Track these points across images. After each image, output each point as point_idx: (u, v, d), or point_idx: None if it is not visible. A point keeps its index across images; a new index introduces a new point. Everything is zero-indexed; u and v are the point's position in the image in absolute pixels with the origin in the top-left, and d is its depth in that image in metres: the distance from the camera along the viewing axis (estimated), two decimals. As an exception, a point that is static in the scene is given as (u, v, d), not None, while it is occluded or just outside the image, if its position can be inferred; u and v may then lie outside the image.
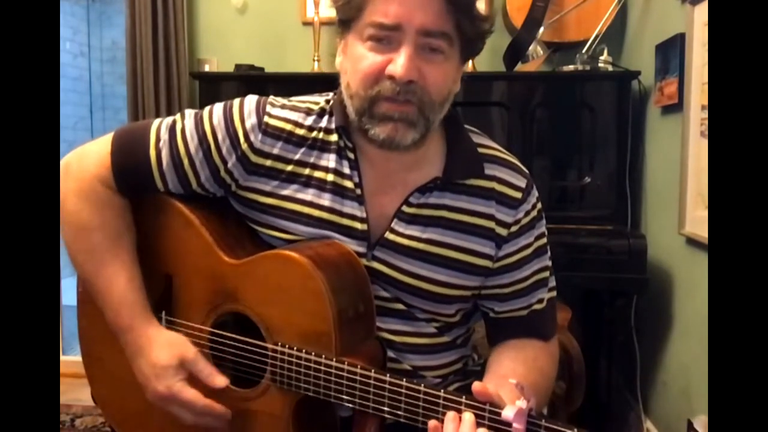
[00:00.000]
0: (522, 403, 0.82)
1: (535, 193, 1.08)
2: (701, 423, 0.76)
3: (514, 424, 0.82)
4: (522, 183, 1.06)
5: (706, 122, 1.81)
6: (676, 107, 2.04)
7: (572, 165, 2.40)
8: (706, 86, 1.81)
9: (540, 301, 1.08)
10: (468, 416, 0.84)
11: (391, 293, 1.04)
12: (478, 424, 0.84)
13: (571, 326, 1.51)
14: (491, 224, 1.04)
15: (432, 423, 0.86)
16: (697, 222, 1.88)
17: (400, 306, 1.04)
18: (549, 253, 1.10)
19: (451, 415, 0.85)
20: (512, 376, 0.88)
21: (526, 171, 1.08)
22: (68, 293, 2.89)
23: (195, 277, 1.05)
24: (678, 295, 2.07)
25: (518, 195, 1.05)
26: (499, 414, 0.83)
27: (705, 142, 1.83)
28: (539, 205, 1.08)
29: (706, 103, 1.83)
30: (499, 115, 2.36)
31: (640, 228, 2.39)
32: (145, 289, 1.05)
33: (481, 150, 1.06)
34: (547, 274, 1.09)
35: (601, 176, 2.33)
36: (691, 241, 1.94)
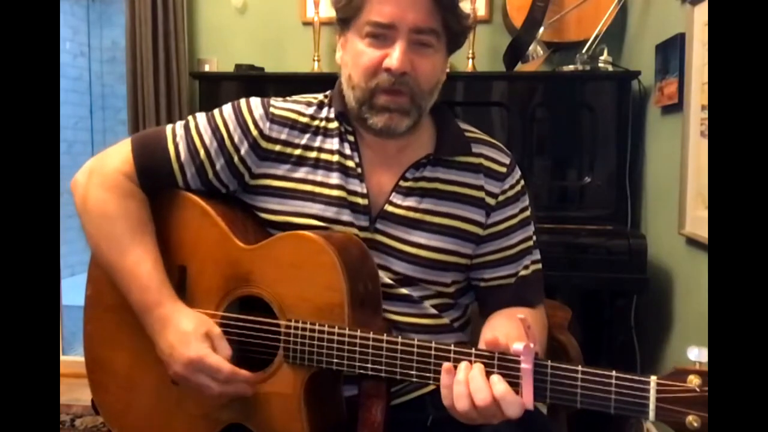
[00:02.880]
0: (530, 343, 0.85)
1: (518, 170, 1.19)
2: (695, 353, 0.79)
3: (523, 363, 0.85)
4: (506, 160, 1.18)
5: (706, 122, 1.81)
6: (676, 107, 2.04)
7: (572, 165, 2.40)
8: (706, 86, 1.81)
9: (525, 267, 1.17)
10: (477, 363, 0.89)
11: (391, 266, 1.10)
12: (489, 371, 0.88)
13: (571, 326, 1.50)
14: (481, 194, 1.14)
15: (446, 365, 0.89)
16: (697, 222, 1.88)
17: (402, 291, 1.11)
18: (533, 226, 1.20)
19: (460, 363, 0.90)
20: (504, 338, 0.91)
21: (509, 151, 1.20)
22: (68, 293, 2.90)
23: (209, 266, 1.09)
24: (678, 295, 2.07)
25: (503, 169, 1.16)
26: (508, 356, 0.87)
27: (705, 142, 1.83)
28: (523, 182, 1.20)
29: (706, 103, 1.83)
30: (499, 115, 2.36)
31: (640, 228, 2.39)
32: None
33: (467, 133, 1.18)
34: (531, 243, 1.19)
35: (601, 176, 2.33)
36: (691, 241, 1.94)
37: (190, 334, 1.02)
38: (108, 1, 5.30)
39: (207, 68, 2.89)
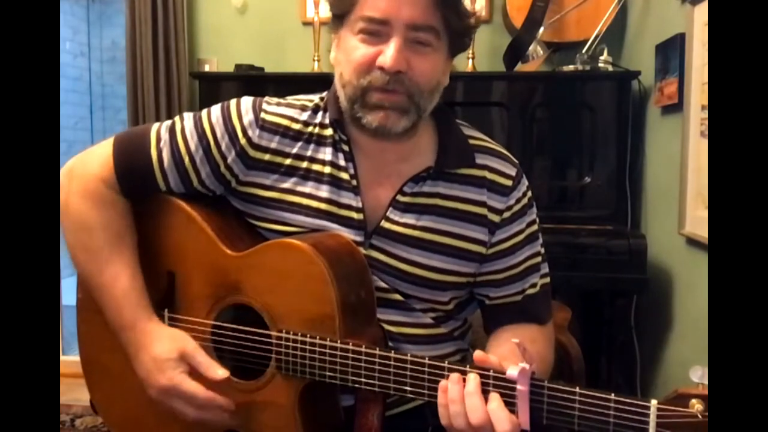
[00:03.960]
0: (525, 365, 0.83)
1: (525, 181, 1.12)
2: (698, 374, 0.78)
3: (519, 385, 0.84)
4: (512, 171, 1.10)
5: (706, 122, 1.81)
6: (676, 107, 2.04)
7: (572, 165, 2.40)
8: (706, 86, 1.81)
9: (533, 285, 1.11)
10: (473, 377, 0.86)
11: (388, 283, 1.06)
12: (485, 390, 0.86)
13: (571, 326, 1.51)
14: (484, 211, 1.08)
15: (443, 383, 0.88)
16: (697, 222, 1.88)
17: (398, 296, 1.06)
18: (540, 240, 1.14)
19: (455, 377, 0.87)
20: (510, 357, 0.89)
21: (516, 161, 1.13)
22: (68, 293, 2.90)
23: (198, 273, 1.07)
24: (678, 295, 2.07)
25: (509, 183, 1.09)
26: (503, 376, 0.85)
27: (705, 142, 1.83)
28: (530, 193, 1.13)
29: (706, 103, 1.83)
30: (499, 115, 2.36)
31: (640, 228, 2.38)
32: (148, 288, 1.06)
33: (471, 141, 1.11)
34: (539, 259, 1.13)
35: (601, 176, 2.33)
36: (691, 241, 1.94)
37: (162, 360, 1.00)
38: (108, 1, 5.30)
39: (207, 68, 2.89)
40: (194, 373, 1.00)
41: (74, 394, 2.58)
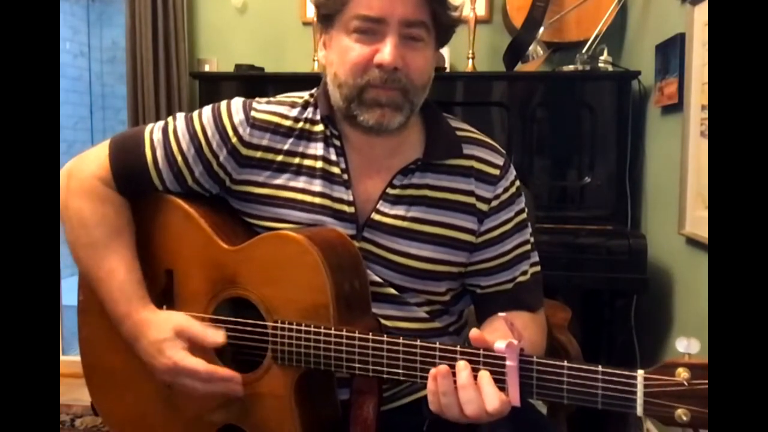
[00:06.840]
0: (513, 340, 0.84)
1: (512, 171, 1.14)
2: (683, 345, 0.79)
3: (508, 361, 0.84)
4: (499, 161, 1.12)
5: (706, 122, 1.81)
6: (676, 107, 2.04)
7: (572, 165, 2.40)
8: (706, 86, 1.81)
9: (524, 273, 1.13)
10: (463, 364, 0.87)
11: (382, 275, 1.08)
12: (474, 368, 0.86)
13: (571, 326, 1.50)
14: (472, 200, 1.10)
15: (433, 371, 0.88)
16: (697, 222, 1.88)
17: (392, 291, 1.08)
18: (530, 228, 1.16)
19: (443, 369, 0.87)
20: (499, 335, 0.89)
21: (503, 151, 1.15)
22: (68, 293, 2.90)
23: (195, 269, 1.08)
24: (678, 295, 2.07)
25: (496, 172, 1.11)
26: (492, 353, 0.86)
27: (705, 142, 1.83)
28: (517, 183, 1.15)
29: (706, 103, 1.83)
30: (499, 115, 2.36)
31: (640, 228, 2.39)
32: (146, 285, 1.08)
33: (458, 132, 1.13)
34: (528, 247, 1.15)
35: (601, 176, 2.33)
36: (691, 241, 1.94)
37: (159, 341, 1.02)
38: (108, 1, 5.30)
39: (207, 68, 2.89)
40: (195, 348, 1.01)
41: (74, 394, 2.58)
